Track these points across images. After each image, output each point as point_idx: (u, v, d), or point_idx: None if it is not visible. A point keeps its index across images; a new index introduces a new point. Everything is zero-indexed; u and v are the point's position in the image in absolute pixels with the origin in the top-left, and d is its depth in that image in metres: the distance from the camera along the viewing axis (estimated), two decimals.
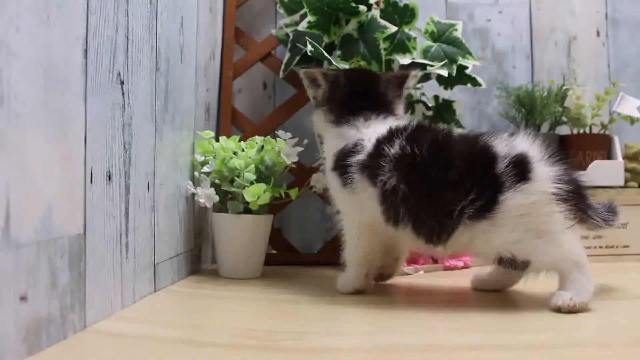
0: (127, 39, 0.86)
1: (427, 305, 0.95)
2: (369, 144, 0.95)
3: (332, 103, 1.04)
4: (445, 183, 0.88)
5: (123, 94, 0.85)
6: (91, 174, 0.75)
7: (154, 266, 0.99)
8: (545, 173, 0.89)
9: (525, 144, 0.91)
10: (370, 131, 0.97)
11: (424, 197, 0.89)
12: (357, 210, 0.98)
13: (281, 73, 1.41)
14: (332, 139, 1.01)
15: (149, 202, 0.97)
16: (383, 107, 1.01)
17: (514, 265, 0.91)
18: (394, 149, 0.91)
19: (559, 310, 0.86)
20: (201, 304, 0.96)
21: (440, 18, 1.54)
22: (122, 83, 0.85)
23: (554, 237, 0.89)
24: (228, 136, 1.26)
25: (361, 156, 0.94)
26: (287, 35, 1.38)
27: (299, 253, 1.43)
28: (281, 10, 1.39)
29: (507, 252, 0.89)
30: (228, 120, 1.43)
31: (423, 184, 0.89)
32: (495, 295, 1.03)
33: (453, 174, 0.88)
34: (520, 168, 0.88)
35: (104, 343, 0.70)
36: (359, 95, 1.02)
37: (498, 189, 0.87)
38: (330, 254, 1.40)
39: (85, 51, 0.74)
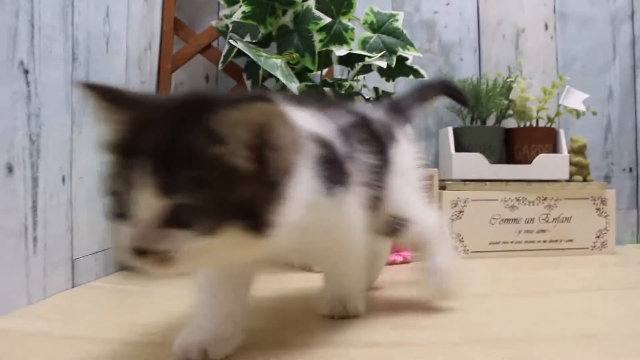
0: (32, 26, 0.83)
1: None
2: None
3: None
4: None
5: (28, 83, 0.82)
6: None
7: (72, 261, 0.96)
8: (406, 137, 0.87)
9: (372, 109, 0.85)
10: None
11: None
12: None
13: (220, 65, 1.38)
14: None
15: (65, 196, 0.94)
16: None
17: (397, 226, 0.80)
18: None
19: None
20: (117, 300, 0.93)
21: (386, 9, 1.53)
22: (26, 72, 0.82)
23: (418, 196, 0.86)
24: None
25: None
26: (227, 26, 1.35)
27: None
28: (222, 1, 1.37)
29: (396, 212, 0.80)
30: None
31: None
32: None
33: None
34: (388, 129, 0.83)
35: None
36: None
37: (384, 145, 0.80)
38: None
39: None
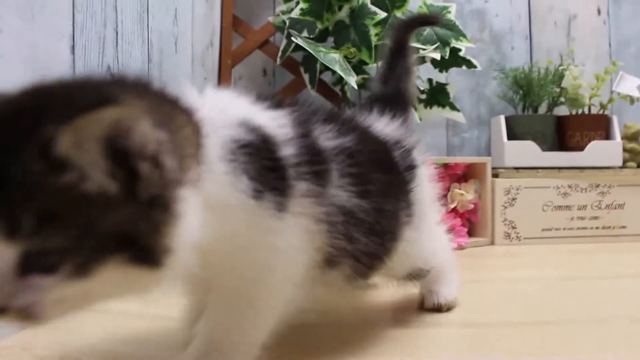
0: (117, 33, 0.90)
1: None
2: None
3: None
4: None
5: None
6: None
7: None
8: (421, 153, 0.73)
9: (388, 123, 0.71)
10: None
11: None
12: None
13: (278, 60, 1.44)
14: None
15: None
16: None
17: (414, 279, 0.73)
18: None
19: (440, 309, 0.75)
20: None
21: (438, 1, 1.56)
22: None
23: (435, 230, 0.78)
24: None
25: None
26: (284, 22, 1.41)
27: None
28: None
29: (418, 265, 0.72)
30: None
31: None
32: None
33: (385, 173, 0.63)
34: (407, 154, 0.69)
35: None
36: None
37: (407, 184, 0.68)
38: None
39: (72, 47, 0.77)
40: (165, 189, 0.40)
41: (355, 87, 1.18)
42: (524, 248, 1.37)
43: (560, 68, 1.53)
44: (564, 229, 1.45)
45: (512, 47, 1.67)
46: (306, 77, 1.42)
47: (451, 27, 1.36)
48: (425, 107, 1.39)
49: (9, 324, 0.39)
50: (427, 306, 0.75)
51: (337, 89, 1.45)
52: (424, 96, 1.39)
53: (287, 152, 0.50)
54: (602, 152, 1.49)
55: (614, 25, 1.69)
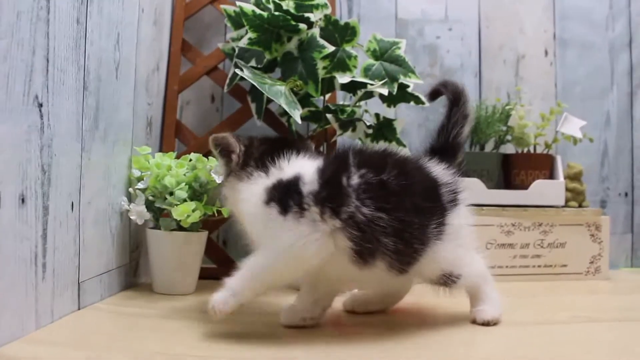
0: (47, 61, 0.86)
1: (341, 328, 0.97)
2: (310, 175, 0.87)
3: (247, 163, 0.95)
4: (418, 209, 0.89)
5: (41, 116, 0.85)
6: None
7: (79, 284, 0.99)
8: (463, 195, 0.99)
9: (441, 168, 0.98)
10: (300, 166, 0.90)
11: (404, 225, 0.86)
12: (300, 241, 0.84)
13: (225, 87, 1.41)
14: (251, 185, 0.92)
15: (73, 222, 0.97)
16: (301, 153, 0.96)
17: (449, 281, 0.95)
18: (353, 178, 0.86)
19: (488, 324, 0.97)
20: (122, 323, 0.96)
21: (390, 34, 1.56)
22: (40, 105, 0.85)
23: (471, 251, 1.00)
24: (171, 150, 1.27)
25: (310, 186, 0.86)
26: (234, 49, 1.39)
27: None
28: (229, 24, 1.40)
29: (450, 267, 0.95)
30: (172, 133, 1.44)
31: (401, 211, 0.86)
32: (402, 318, 1.05)
33: (421, 200, 0.90)
34: (455, 193, 0.96)
35: None
36: (273, 152, 0.94)
37: (446, 211, 0.93)
38: None
39: None
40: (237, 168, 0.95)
41: (299, 121, 1.16)
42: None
43: (507, 107, 1.55)
44: (507, 266, 1.46)
45: (462, 84, 1.68)
46: (253, 106, 1.40)
47: (400, 62, 1.36)
48: (372, 141, 1.38)
49: None
50: (478, 322, 0.98)
51: (284, 119, 1.44)
52: (370, 131, 1.38)
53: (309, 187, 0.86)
54: (546, 191, 1.51)
55: (560, 67, 1.73)
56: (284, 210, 0.85)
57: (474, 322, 0.98)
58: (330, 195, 0.85)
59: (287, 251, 0.85)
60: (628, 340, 0.93)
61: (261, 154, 0.95)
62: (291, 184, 0.87)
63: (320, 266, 0.87)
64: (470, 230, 0.99)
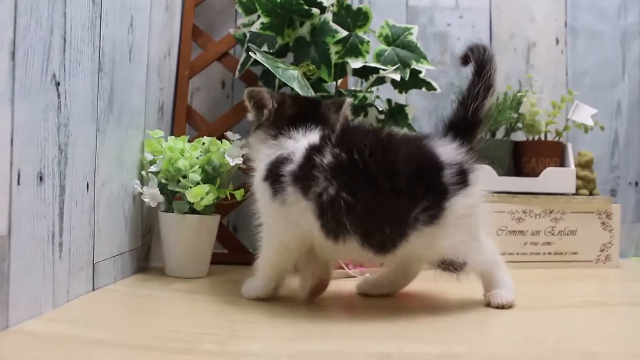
0: (65, 40, 0.87)
1: (354, 310, 0.97)
2: (299, 153, 0.90)
3: (276, 121, 0.99)
4: (397, 191, 0.85)
5: (59, 95, 0.86)
6: (18, 176, 0.75)
7: (93, 265, 1.00)
8: (478, 176, 0.94)
9: (450, 148, 0.92)
10: (304, 141, 0.92)
11: (374, 206, 0.85)
12: (282, 226, 0.92)
13: (237, 73, 1.41)
14: (267, 150, 0.96)
15: (88, 202, 0.97)
16: (323, 124, 0.99)
17: (452, 268, 0.93)
18: (327, 157, 0.86)
19: (502, 307, 0.96)
20: (136, 304, 0.97)
21: (401, 21, 1.56)
22: (57, 84, 0.85)
23: (482, 237, 0.96)
24: (182, 135, 1.27)
25: (292, 166, 0.89)
26: (245, 35, 1.38)
27: (249, 253, 1.44)
28: (240, 10, 1.40)
29: (450, 255, 0.91)
30: (183, 119, 1.44)
31: (371, 192, 0.85)
32: (414, 301, 1.05)
33: (404, 182, 0.86)
34: (462, 175, 0.90)
35: (23, 343, 0.70)
36: (303, 115, 0.99)
37: (445, 195, 0.88)
38: None
39: (13, 54, 0.74)
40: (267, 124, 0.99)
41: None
42: None
43: (519, 94, 1.55)
44: (517, 253, 1.46)
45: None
46: None
47: (412, 48, 1.36)
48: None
49: None
50: (492, 305, 0.97)
51: None
52: (382, 116, 1.38)
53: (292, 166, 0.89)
54: (557, 178, 1.51)
55: (571, 55, 1.72)
56: (274, 193, 0.91)
57: (488, 305, 0.98)
58: (303, 175, 0.88)
59: (274, 241, 0.96)
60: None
61: (288, 117, 0.99)
62: (280, 163, 0.91)
63: (308, 244, 0.93)
64: (482, 215, 0.94)
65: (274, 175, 0.91)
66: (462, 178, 0.90)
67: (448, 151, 0.91)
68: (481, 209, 0.94)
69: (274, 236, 0.96)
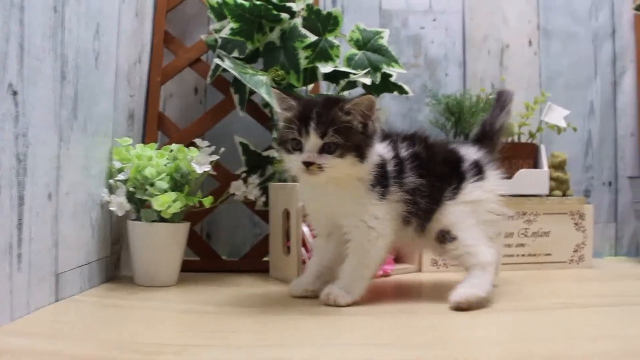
0: (22, 49, 0.85)
1: (328, 315, 0.96)
2: (390, 158, 1.04)
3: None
4: (441, 177, 1.07)
5: (16, 104, 0.84)
6: None
7: (57, 276, 0.98)
8: (494, 175, 1.14)
9: (474, 150, 1.14)
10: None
11: (427, 190, 1.04)
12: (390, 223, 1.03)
13: (208, 79, 1.41)
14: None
15: (51, 212, 0.96)
16: None
17: (444, 239, 1.07)
18: (409, 159, 1.05)
19: (458, 305, 0.99)
20: (101, 314, 0.96)
21: (374, 25, 1.56)
22: (14, 93, 0.84)
23: (483, 233, 1.08)
24: (154, 142, 1.26)
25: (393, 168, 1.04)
26: (217, 40, 1.38)
27: (221, 260, 1.43)
28: (211, 15, 1.39)
29: (449, 226, 1.06)
30: (154, 125, 1.43)
31: (430, 182, 1.04)
32: (378, 305, 1.04)
33: (445, 170, 1.08)
34: (478, 168, 1.11)
35: None
36: None
37: (462, 179, 1.09)
38: (253, 260, 1.41)
39: None
40: (373, 135, 1.00)
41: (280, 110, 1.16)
42: (451, 275, 1.37)
43: (491, 97, 1.55)
44: None
45: (446, 74, 1.69)
46: (236, 98, 1.40)
47: (383, 52, 1.36)
48: None
49: (311, 173, 0.96)
50: (449, 303, 1.00)
51: (267, 110, 1.43)
52: None
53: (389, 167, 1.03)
54: (530, 180, 1.51)
55: (544, 57, 1.73)
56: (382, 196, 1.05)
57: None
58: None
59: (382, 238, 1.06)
60: (611, 324, 0.93)
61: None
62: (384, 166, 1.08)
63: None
64: (491, 212, 1.11)
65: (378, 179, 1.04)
66: (477, 170, 1.11)
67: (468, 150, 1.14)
68: (492, 206, 1.11)
69: (386, 234, 1.04)
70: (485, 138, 1.19)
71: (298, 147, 0.97)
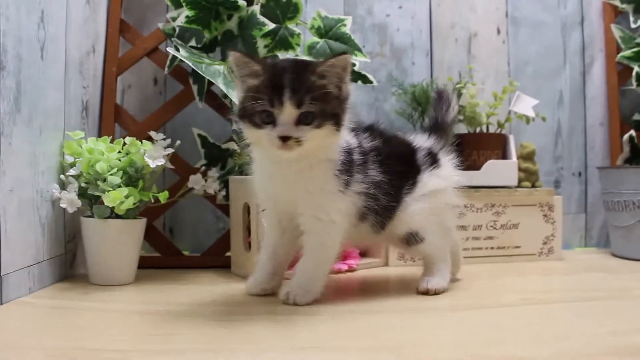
0: None
1: (286, 315, 0.93)
2: (355, 147, 0.99)
3: None
4: (400, 174, 1.03)
5: None
6: None
7: (0, 277, 0.93)
8: (448, 161, 1.12)
9: (424, 138, 1.12)
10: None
11: (389, 188, 1.00)
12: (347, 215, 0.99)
13: (166, 69, 1.36)
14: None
15: None
16: None
17: (413, 240, 1.06)
18: (372, 151, 1.00)
19: (427, 293, 1.05)
20: (47, 318, 0.91)
21: (338, 12, 1.52)
22: None
23: (447, 225, 1.11)
24: (111, 135, 1.21)
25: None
26: (174, 29, 1.33)
27: (182, 256, 1.39)
28: (169, 3, 1.34)
29: (417, 227, 1.05)
30: (111, 118, 1.37)
31: (390, 179, 1.00)
32: (338, 305, 1.01)
33: (403, 165, 1.04)
34: (431, 156, 1.09)
35: None
36: None
37: (418, 171, 1.06)
38: (215, 256, 1.37)
39: None
40: (347, 99, 0.93)
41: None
42: (419, 269, 1.34)
43: (458, 86, 1.52)
44: None
45: (412, 63, 1.65)
46: (195, 88, 1.35)
47: (346, 40, 1.32)
48: None
49: (288, 148, 0.87)
50: (418, 290, 1.06)
51: (227, 101, 1.38)
52: None
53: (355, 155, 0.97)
54: (498, 171, 1.49)
55: (512, 45, 1.71)
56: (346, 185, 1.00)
57: (417, 290, 1.07)
58: None
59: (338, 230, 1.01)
60: (578, 322, 0.91)
61: None
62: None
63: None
64: (451, 202, 1.11)
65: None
66: (432, 159, 1.09)
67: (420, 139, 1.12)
68: (450, 196, 1.10)
69: (343, 229, 1.00)
70: (438, 129, 1.16)
71: (269, 120, 0.87)
